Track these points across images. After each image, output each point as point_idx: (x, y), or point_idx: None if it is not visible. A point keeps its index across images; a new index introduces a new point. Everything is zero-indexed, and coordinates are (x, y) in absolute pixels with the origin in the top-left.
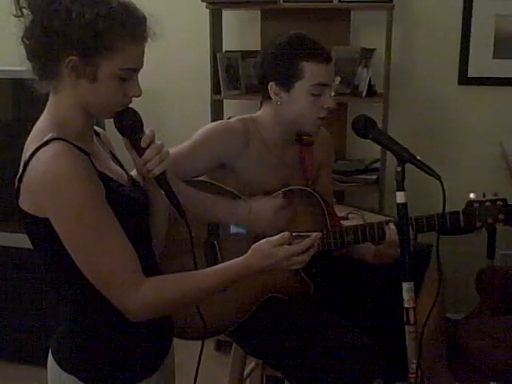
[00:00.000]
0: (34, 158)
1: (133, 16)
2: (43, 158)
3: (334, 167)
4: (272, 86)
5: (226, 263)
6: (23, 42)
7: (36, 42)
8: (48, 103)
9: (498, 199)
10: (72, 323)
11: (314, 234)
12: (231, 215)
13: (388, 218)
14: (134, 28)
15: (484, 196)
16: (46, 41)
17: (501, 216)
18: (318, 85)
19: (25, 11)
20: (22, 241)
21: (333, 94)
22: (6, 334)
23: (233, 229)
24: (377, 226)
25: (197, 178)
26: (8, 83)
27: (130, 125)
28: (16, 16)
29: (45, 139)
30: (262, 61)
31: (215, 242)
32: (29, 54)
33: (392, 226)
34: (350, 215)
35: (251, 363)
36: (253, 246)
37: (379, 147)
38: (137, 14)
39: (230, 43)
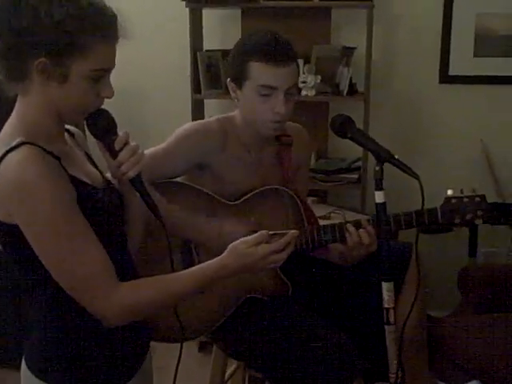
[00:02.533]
0: (2, 164)
1: (103, 15)
2: (11, 164)
3: (315, 166)
4: (229, 82)
5: (203, 264)
6: None
7: (3, 43)
8: (16, 106)
9: (476, 195)
10: (44, 328)
11: (291, 231)
12: (201, 233)
13: (366, 217)
14: (105, 27)
15: (462, 192)
16: (14, 42)
17: (479, 212)
18: (265, 86)
19: None
20: None
21: (312, 92)
22: None
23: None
24: (354, 223)
25: (174, 180)
26: None
27: (103, 126)
28: None
29: (13, 144)
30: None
31: (192, 246)
32: None
33: (351, 228)
34: (332, 214)
35: (233, 364)
36: (229, 246)
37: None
38: (107, 12)
39: (210, 42)
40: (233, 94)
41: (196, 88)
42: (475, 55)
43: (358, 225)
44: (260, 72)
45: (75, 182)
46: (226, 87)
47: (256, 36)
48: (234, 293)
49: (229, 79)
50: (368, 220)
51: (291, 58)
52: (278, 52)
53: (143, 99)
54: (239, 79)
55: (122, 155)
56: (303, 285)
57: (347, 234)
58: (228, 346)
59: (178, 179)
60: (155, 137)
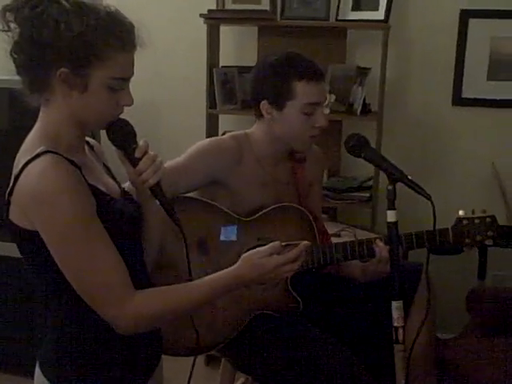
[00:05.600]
0: (25, 172)
1: (121, 24)
2: (34, 172)
3: (327, 184)
4: (264, 105)
5: (217, 274)
6: (12, 56)
7: (25, 55)
8: (39, 115)
9: (487, 216)
10: (59, 335)
11: (303, 242)
12: None
13: (377, 236)
14: (123, 36)
15: (473, 213)
16: (36, 54)
17: (490, 233)
18: (310, 104)
19: (12, 25)
20: (11, 249)
21: (327, 111)
22: None
23: (222, 237)
24: (366, 242)
25: (188, 195)
26: (4, 92)
27: (124, 136)
28: (2, 30)
29: (36, 152)
30: (255, 79)
31: (203, 259)
32: (18, 68)
33: (380, 243)
34: (342, 232)
35: (240, 378)
36: (242, 256)
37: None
38: (125, 22)
39: (226, 58)
40: (267, 116)
41: (211, 103)
42: (488, 78)
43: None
44: (305, 91)
45: (95, 191)
46: (242, 103)
47: (290, 57)
48: (245, 308)
49: (264, 102)
50: (380, 238)
51: (323, 74)
52: (316, 68)
53: (159, 113)
54: (280, 100)
55: (142, 163)
56: (313, 302)
57: (377, 249)
58: (237, 360)
59: (192, 194)
60: (170, 151)
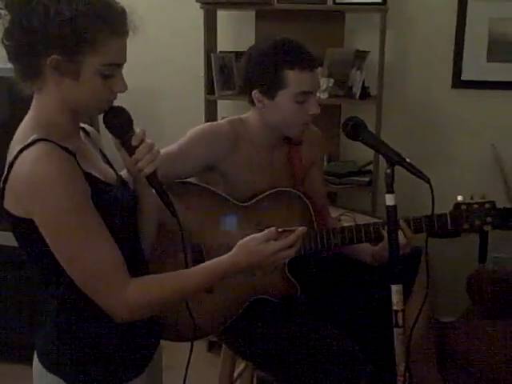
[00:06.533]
0: (19, 160)
1: (112, 10)
2: (27, 160)
3: (327, 168)
4: (255, 94)
5: (213, 261)
6: (3, 43)
7: (16, 42)
8: (32, 103)
9: (486, 202)
10: (57, 323)
11: (300, 228)
12: None
13: (377, 220)
14: (115, 22)
15: (472, 198)
16: (26, 41)
17: (488, 219)
18: (303, 93)
19: (2, 12)
20: (9, 238)
21: (326, 96)
22: None
23: (223, 226)
24: (364, 227)
25: (186, 180)
26: (3, 81)
27: (120, 123)
28: None
29: (29, 140)
30: (245, 67)
31: (202, 245)
32: (10, 55)
33: (403, 224)
34: (342, 217)
35: (241, 364)
36: (239, 243)
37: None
38: (116, 7)
39: (224, 43)
40: (259, 104)
41: (209, 89)
42: (488, 60)
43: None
44: (297, 80)
45: (90, 178)
46: (240, 88)
47: (281, 44)
48: (242, 293)
49: (255, 91)
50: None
51: (316, 62)
52: (308, 56)
53: (156, 99)
54: (272, 89)
55: (138, 152)
56: (311, 286)
57: (400, 233)
58: (236, 346)
59: (190, 180)
60: (168, 137)
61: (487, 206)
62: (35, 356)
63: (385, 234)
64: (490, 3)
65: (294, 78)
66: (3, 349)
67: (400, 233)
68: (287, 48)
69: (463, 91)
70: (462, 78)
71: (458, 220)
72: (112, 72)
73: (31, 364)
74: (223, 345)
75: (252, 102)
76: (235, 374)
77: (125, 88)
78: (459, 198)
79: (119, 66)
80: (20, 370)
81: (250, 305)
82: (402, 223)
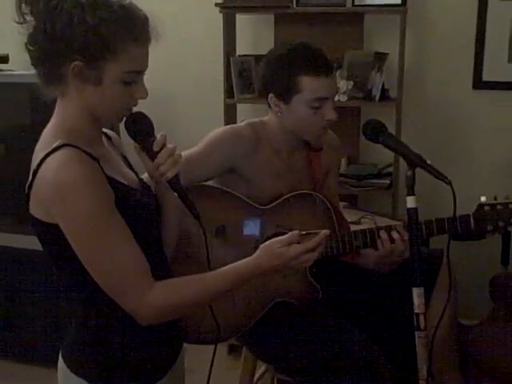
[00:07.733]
0: (43, 166)
1: (134, 17)
2: (52, 166)
3: (347, 171)
4: (271, 98)
5: (236, 263)
6: (27, 48)
7: (39, 48)
8: (55, 110)
9: (510, 202)
10: (82, 326)
11: (323, 231)
12: None
13: (397, 223)
14: (137, 29)
15: (495, 199)
16: (49, 47)
17: None
18: (318, 98)
19: (27, 17)
20: (35, 243)
21: (345, 98)
22: (19, 335)
23: (245, 231)
24: (385, 229)
25: (206, 183)
26: (25, 87)
27: (142, 129)
28: (18, 23)
29: (53, 146)
30: (263, 70)
31: (222, 247)
32: (33, 60)
33: (384, 235)
34: (362, 220)
35: (262, 367)
36: (261, 246)
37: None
38: (138, 15)
39: (243, 47)
40: (275, 108)
41: (229, 92)
42: (509, 61)
43: (388, 229)
44: (312, 85)
45: (113, 183)
46: (259, 92)
47: (297, 49)
48: (264, 296)
49: (271, 95)
50: (400, 225)
51: (333, 67)
52: (324, 62)
53: (176, 104)
54: (287, 94)
55: (160, 156)
56: (333, 289)
57: (379, 241)
58: (257, 349)
59: (209, 183)
60: (187, 141)
61: (511, 206)
62: (60, 357)
63: (379, 242)
64: (511, 3)
65: (309, 84)
66: (28, 352)
67: (398, 239)
68: (303, 53)
69: (484, 92)
70: (483, 79)
71: (482, 221)
72: (133, 79)
73: (56, 367)
74: (244, 348)
75: (270, 106)
76: (256, 377)
77: (146, 95)
78: (482, 198)
79: (141, 73)
80: (45, 374)
81: (272, 308)
82: (398, 227)
